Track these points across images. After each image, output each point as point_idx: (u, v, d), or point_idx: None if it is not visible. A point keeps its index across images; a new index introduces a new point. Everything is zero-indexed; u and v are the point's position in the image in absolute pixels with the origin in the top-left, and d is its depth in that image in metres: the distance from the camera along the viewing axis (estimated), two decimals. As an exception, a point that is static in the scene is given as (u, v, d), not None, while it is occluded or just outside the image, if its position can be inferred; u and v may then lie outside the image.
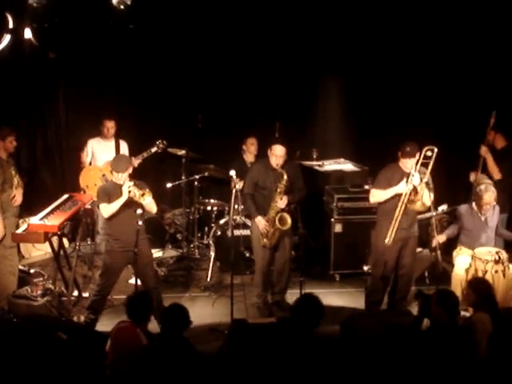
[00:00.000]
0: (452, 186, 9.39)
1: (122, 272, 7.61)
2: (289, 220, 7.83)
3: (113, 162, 7.55)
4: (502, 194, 8.64)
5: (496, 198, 8.04)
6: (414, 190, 7.52)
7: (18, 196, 8.00)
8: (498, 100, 9.53)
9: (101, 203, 7.35)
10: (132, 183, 7.22)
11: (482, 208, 8.00)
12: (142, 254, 7.30)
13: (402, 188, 7.55)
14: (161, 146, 9.37)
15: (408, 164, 7.61)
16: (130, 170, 7.34)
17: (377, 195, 7.76)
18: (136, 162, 9.21)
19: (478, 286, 6.21)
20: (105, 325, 7.52)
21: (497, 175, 8.93)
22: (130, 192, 7.17)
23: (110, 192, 7.30)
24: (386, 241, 7.55)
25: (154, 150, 9.31)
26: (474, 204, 8.10)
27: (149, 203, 7.26)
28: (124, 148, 9.47)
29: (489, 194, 7.96)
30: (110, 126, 9.36)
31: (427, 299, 5.92)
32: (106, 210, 7.28)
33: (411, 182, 7.51)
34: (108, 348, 5.87)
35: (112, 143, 9.43)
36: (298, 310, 5.58)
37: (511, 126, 9.15)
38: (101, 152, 9.36)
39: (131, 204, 7.23)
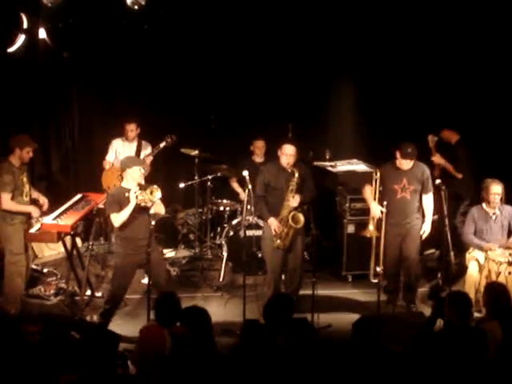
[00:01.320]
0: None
1: (133, 275, 7.59)
2: (302, 218, 7.81)
3: (127, 160, 7.54)
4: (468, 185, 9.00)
5: (503, 196, 8.01)
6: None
7: (42, 201, 8.03)
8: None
9: (111, 213, 7.28)
10: (137, 188, 7.20)
11: (491, 201, 7.96)
12: (155, 254, 7.32)
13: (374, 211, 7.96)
14: (169, 140, 9.32)
15: (406, 165, 7.88)
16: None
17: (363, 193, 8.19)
18: (148, 160, 9.23)
19: (492, 291, 6.17)
20: (118, 324, 7.54)
21: (459, 174, 9.06)
22: (137, 197, 7.15)
23: (120, 199, 7.23)
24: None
25: (162, 144, 9.28)
26: (483, 205, 8.07)
27: (158, 204, 7.27)
28: (146, 149, 9.49)
29: (495, 185, 7.95)
30: (130, 129, 9.36)
31: (441, 300, 5.90)
32: (117, 219, 7.23)
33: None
34: (135, 346, 5.92)
35: (134, 144, 9.44)
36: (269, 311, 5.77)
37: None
38: (123, 153, 9.35)
39: (140, 207, 7.23)
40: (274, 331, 5.59)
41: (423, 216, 8.08)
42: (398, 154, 7.88)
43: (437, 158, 9.12)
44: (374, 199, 8.00)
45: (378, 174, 7.99)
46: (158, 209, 7.37)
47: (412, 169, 7.95)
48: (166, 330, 5.82)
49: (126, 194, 7.16)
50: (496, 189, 7.92)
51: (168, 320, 5.87)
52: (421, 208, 8.09)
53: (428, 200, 8.04)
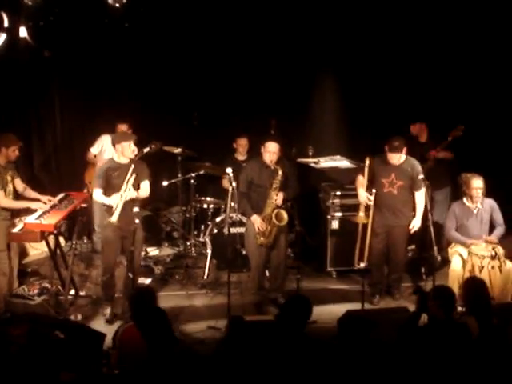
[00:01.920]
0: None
1: (119, 245, 7.77)
2: (285, 216, 7.83)
3: (119, 135, 7.91)
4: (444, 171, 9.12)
5: (485, 190, 8.04)
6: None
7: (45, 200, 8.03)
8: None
9: (95, 187, 7.65)
10: (123, 191, 7.42)
11: (473, 196, 7.95)
12: (138, 233, 7.60)
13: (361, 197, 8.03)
14: (153, 146, 9.23)
15: (394, 159, 7.90)
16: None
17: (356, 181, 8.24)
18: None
19: (470, 287, 6.19)
20: (101, 323, 7.55)
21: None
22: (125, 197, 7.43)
23: (107, 174, 7.57)
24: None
25: (146, 150, 9.16)
26: (464, 199, 8.09)
27: (142, 189, 7.65)
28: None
29: (475, 179, 7.95)
30: (122, 129, 9.31)
31: (425, 295, 5.92)
32: (97, 197, 7.65)
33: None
34: (112, 349, 5.87)
35: None
36: (287, 309, 5.54)
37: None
38: (109, 150, 9.28)
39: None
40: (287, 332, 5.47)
41: (414, 212, 8.11)
42: (386, 149, 7.92)
43: (444, 154, 9.11)
44: (364, 187, 8.03)
45: (367, 162, 8.00)
46: (144, 194, 7.69)
47: (402, 164, 7.97)
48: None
49: (113, 199, 7.44)
50: (477, 183, 7.92)
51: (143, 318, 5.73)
52: (411, 204, 8.10)
53: (419, 196, 8.01)
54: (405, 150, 7.91)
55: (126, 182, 7.46)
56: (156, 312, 5.65)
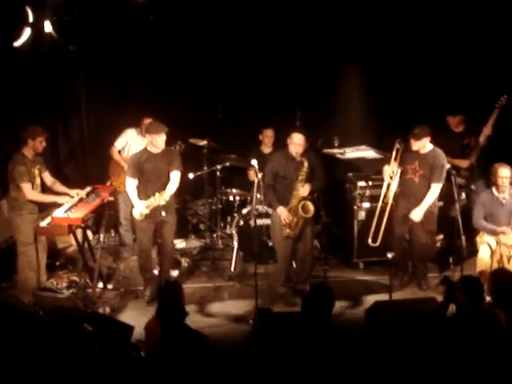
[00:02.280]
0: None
1: (151, 230, 7.99)
2: (312, 208, 7.82)
3: (151, 127, 7.95)
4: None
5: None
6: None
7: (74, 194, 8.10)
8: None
9: (127, 176, 7.96)
10: (146, 205, 7.60)
11: (499, 185, 7.91)
12: (168, 219, 7.87)
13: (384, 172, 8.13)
14: (177, 147, 9.29)
15: (414, 146, 7.96)
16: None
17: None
18: None
19: (498, 278, 6.13)
20: (130, 316, 7.59)
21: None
22: (147, 208, 7.63)
23: (139, 163, 7.84)
24: None
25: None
26: (493, 189, 8.03)
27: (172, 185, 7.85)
28: None
29: (502, 168, 7.91)
30: (147, 122, 9.31)
31: (453, 285, 5.89)
32: (129, 187, 7.90)
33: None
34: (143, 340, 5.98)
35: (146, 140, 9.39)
36: (309, 300, 5.51)
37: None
38: (134, 145, 9.32)
39: (159, 176, 7.84)
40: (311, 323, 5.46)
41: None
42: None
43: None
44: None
45: (399, 145, 8.04)
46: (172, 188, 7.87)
47: (427, 153, 7.97)
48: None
49: (135, 212, 7.75)
50: (504, 172, 7.87)
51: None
52: None
53: (434, 188, 7.98)
54: (427, 138, 7.88)
55: (154, 197, 7.60)
56: (178, 311, 5.65)
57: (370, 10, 9.91)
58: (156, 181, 7.86)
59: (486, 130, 8.81)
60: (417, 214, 8.00)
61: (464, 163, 8.87)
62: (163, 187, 7.79)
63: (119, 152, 9.42)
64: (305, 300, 5.53)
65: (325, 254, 8.16)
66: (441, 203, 8.46)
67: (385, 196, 8.08)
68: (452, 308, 5.88)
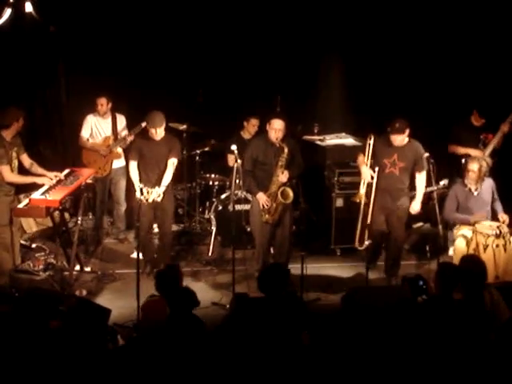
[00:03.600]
0: (454, 160, 9.32)
1: (149, 212, 8.09)
2: (291, 194, 7.83)
3: (148, 118, 8.18)
4: None
5: (486, 171, 8.03)
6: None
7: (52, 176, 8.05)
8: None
9: (130, 159, 8.22)
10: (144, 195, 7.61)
11: (467, 176, 8.02)
12: (166, 203, 8.03)
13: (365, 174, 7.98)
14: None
15: (396, 141, 7.83)
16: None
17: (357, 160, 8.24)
18: (129, 138, 9.11)
19: (466, 264, 6.18)
20: (107, 299, 7.58)
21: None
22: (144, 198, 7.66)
23: (141, 147, 8.16)
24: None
25: (143, 124, 9.11)
26: (466, 180, 8.09)
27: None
28: (121, 121, 9.41)
29: (472, 162, 8.01)
30: (100, 103, 9.25)
31: (414, 280, 5.96)
32: (132, 170, 8.15)
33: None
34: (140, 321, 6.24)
35: (109, 119, 9.36)
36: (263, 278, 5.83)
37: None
38: (99, 127, 9.32)
39: (157, 162, 8.04)
40: (268, 302, 5.60)
41: (413, 195, 8.09)
42: (388, 130, 7.86)
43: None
44: (366, 165, 8.00)
45: (371, 140, 7.97)
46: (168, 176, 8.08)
47: (405, 146, 7.90)
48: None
49: (137, 193, 7.71)
50: (472, 166, 8.00)
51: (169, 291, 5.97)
52: (408, 186, 8.06)
53: (420, 178, 8.01)
54: (407, 131, 7.85)
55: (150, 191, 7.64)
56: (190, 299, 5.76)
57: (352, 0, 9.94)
58: (154, 167, 8.07)
59: (504, 127, 8.83)
60: (417, 206, 8.02)
61: (475, 153, 8.79)
62: (161, 173, 8.02)
63: (88, 139, 9.36)
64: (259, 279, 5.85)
65: (303, 241, 8.17)
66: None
67: (361, 195, 8.06)
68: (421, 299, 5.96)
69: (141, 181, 7.95)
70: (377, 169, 7.92)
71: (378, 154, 7.98)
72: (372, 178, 7.91)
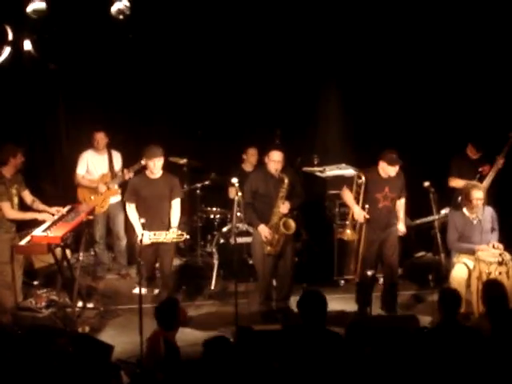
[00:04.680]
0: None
1: (149, 255, 8.04)
2: (293, 224, 7.84)
3: (146, 151, 8.06)
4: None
5: (485, 198, 8.01)
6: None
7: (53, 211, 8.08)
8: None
9: (126, 201, 8.13)
10: (150, 238, 7.71)
11: (474, 206, 7.88)
12: (166, 247, 7.99)
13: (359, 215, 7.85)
14: None
15: (392, 172, 7.78)
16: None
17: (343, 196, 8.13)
18: (128, 175, 9.11)
19: (490, 289, 6.18)
20: (110, 335, 7.56)
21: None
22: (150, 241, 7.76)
23: (138, 188, 8.01)
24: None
25: (143, 162, 9.19)
26: (464, 209, 8.04)
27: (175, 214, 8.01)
28: (117, 159, 9.44)
29: (476, 190, 7.91)
30: (100, 137, 9.29)
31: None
32: (128, 213, 8.07)
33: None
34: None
35: (105, 155, 9.39)
36: (303, 305, 5.67)
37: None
38: (95, 164, 9.35)
39: (160, 201, 7.92)
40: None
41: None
42: (382, 163, 7.77)
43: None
44: (357, 203, 7.90)
45: (363, 178, 7.89)
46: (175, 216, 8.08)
47: (394, 176, 7.85)
48: (162, 336, 5.90)
49: (139, 238, 7.63)
50: (478, 194, 7.87)
51: (167, 325, 6.09)
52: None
53: (401, 203, 8.02)
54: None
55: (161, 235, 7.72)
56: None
57: (349, 32, 10.02)
58: (157, 206, 7.98)
59: (500, 159, 8.83)
60: (402, 228, 8.02)
61: None
62: (165, 212, 7.97)
63: (83, 177, 9.39)
64: (299, 306, 5.68)
65: (305, 272, 8.14)
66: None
67: (348, 233, 8.05)
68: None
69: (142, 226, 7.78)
70: (367, 206, 7.82)
71: (370, 189, 7.86)
72: (365, 218, 7.85)
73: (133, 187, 8.10)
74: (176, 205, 8.07)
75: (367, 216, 7.80)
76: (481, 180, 8.71)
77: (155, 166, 7.96)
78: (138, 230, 7.83)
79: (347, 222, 8.01)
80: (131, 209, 8.05)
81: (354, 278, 8.19)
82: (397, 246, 8.06)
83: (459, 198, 8.27)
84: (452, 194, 8.97)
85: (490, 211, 8.06)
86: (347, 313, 8.16)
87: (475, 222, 7.98)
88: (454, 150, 9.47)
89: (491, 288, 6.21)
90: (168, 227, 7.90)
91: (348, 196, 7.99)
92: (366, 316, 7.53)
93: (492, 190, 8.69)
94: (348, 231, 7.96)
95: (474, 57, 9.98)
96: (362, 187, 7.86)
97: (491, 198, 8.38)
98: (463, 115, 10.12)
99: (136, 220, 7.93)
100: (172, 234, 7.73)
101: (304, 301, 5.69)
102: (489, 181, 8.73)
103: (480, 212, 7.92)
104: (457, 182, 8.90)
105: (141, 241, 7.53)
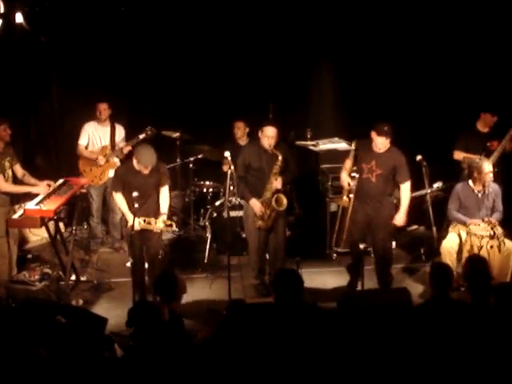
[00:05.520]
0: (446, 162, 9.34)
1: (142, 238, 7.72)
2: (285, 201, 7.84)
3: (139, 155, 7.47)
4: None
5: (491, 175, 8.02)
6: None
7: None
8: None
9: (113, 191, 7.73)
10: (140, 225, 7.45)
11: (485, 180, 7.89)
12: (156, 234, 7.71)
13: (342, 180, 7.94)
14: (149, 132, 9.26)
15: (380, 144, 7.69)
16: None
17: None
18: (126, 149, 9.18)
19: (472, 264, 6.21)
20: (103, 308, 7.60)
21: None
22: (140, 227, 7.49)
23: (125, 178, 7.57)
24: None
25: (142, 136, 9.20)
26: (470, 181, 8.07)
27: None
28: (120, 132, 9.44)
29: (487, 163, 7.94)
30: (103, 108, 9.29)
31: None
32: (117, 201, 7.72)
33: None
34: None
35: (108, 128, 9.39)
36: (278, 285, 5.69)
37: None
38: (96, 136, 9.35)
39: (147, 190, 7.56)
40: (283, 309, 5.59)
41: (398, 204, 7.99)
42: (373, 134, 7.70)
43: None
44: (350, 171, 7.93)
45: (354, 145, 7.94)
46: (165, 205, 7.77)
47: (384, 153, 7.76)
48: (165, 307, 5.99)
49: (130, 223, 7.41)
50: (489, 167, 7.89)
51: (168, 297, 6.12)
52: (390, 196, 7.96)
53: (404, 189, 7.85)
54: (391, 138, 7.73)
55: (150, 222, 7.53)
56: None
57: (343, 6, 9.98)
58: (144, 194, 7.58)
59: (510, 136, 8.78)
60: (400, 219, 7.87)
61: None
62: (153, 201, 7.68)
63: (86, 147, 9.39)
64: (274, 285, 5.72)
65: (298, 246, 8.18)
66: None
67: (344, 200, 8.04)
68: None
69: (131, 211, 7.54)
70: (356, 175, 7.78)
71: (359, 158, 7.88)
72: (348, 184, 7.82)
73: (120, 178, 7.70)
74: (165, 192, 7.76)
75: (351, 183, 7.78)
76: (487, 155, 8.64)
77: (148, 170, 7.54)
78: (129, 215, 7.53)
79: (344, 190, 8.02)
80: (118, 196, 7.66)
81: (334, 247, 8.37)
82: (386, 229, 7.90)
83: (465, 172, 8.30)
84: (449, 167, 9.00)
85: (495, 188, 8.06)
86: (340, 286, 8.20)
87: (480, 194, 8.00)
88: (448, 123, 9.47)
89: (473, 263, 6.22)
90: (157, 214, 7.67)
91: (344, 165, 8.02)
92: (356, 290, 7.56)
93: (500, 168, 8.63)
94: (344, 198, 7.97)
95: (479, 23, 9.90)
96: (352, 153, 7.92)
97: (498, 178, 8.29)
98: (460, 88, 10.09)
99: (125, 206, 7.60)
100: (160, 224, 7.49)
101: (278, 280, 5.75)
102: (495, 156, 8.68)
103: (488, 185, 7.95)
104: (461, 155, 8.89)
105: (132, 226, 7.36)
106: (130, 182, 7.57)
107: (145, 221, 7.46)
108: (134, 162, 7.52)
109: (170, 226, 7.58)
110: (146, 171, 7.52)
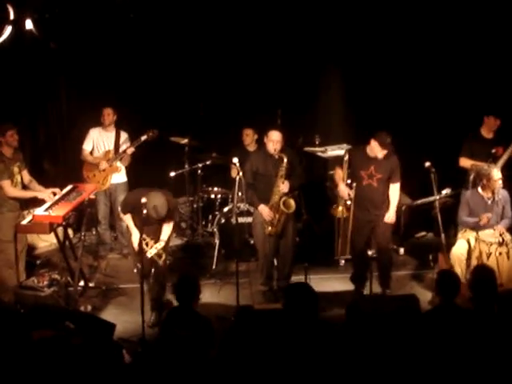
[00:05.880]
0: (454, 168, 9.32)
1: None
2: (293, 203, 7.85)
3: (152, 209, 7.16)
4: None
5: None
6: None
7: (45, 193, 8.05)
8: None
9: (121, 213, 7.74)
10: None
11: (495, 187, 7.88)
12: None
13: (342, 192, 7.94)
14: (150, 134, 9.26)
15: (380, 154, 7.71)
16: None
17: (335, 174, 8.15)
18: (129, 150, 9.23)
19: (478, 275, 6.18)
20: (112, 314, 7.60)
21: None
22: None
23: (134, 204, 7.41)
24: None
25: (143, 138, 9.21)
26: (479, 189, 8.05)
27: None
28: (124, 138, 9.46)
29: (496, 171, 7.93)
30: (107, 113, 9.30)
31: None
32: (125, 220, 7.73)
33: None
34: None
35: (113, 133, 9.41)
36: (291, 300, 5.47)
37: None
38: (100, 141, 9.37)
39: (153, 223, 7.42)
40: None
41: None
42: (373, 142, 7.71)
43: None
44: (344, 181, 7.94)
45: (347, 156, 7.94)
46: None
47: (382, 158, 7.79)
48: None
49: (134, 241, 7.47)
50: (498, 174, 7.89)
51: (190, 299, 6.03)
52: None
53: (394, 189, 7.91)
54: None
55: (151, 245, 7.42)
56: None
57: (351, 13, 9.99)
58: (150, 227, 7.50)
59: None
60: (391, 217, 7.90)
61: None
62: (158, 231, 7.58)
63: (91, 153, 9.42)
64: (286, 299, 5.53)
65: (306, 252, 8.17)
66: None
67: (339, 211, 8.07)
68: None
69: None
70: (354, 184, 7.83)
71: (355, 165, 7.88)
72: (349, 196, 7.86)
73: (129, 205, 7.63)
74: (168, 225, 7.64)
75: (351, 193, 7.82)
76: (494, 161, 8.60)
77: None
78: (135, 236, 7.48)
79: (339, 199, 8.09)
80: (127, 217, 7.65)
81: (338, 256, 8.36)
82: (388, 231, 7.97)
83: (471, 178, 8.29)
84: (457, 174, 8.95)
85: (504, 195, 8.05)
86: (348, 293, 8.19)
87: (489, 201, 7.99)
88: (456, 129, 9.45)
89: (479, 273, 6.17)
90: (157, 238, 7.54)
91: (337, 174, 8.05)
92: (364, 296, 7.56)
93: (506, 174, 8.51)
94: (340, 208, 7.99)
95: (481, 26, 9.89)
96: (346, 164, 7.92)
97: (505, 183, 8.23)
98: (467, 94, 10.08)
99: (133, 226, 7.58)
100: (153, 250, 7.31)
101: (291, 293, 5.51)
102: (502, 162, 8.63)
103: (498, 192, 7.94)
104: (467, 162, 8.82)
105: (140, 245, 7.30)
106: (138, 213, 7.37)
107: (147, 244, 7.37)
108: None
109: (159, 257, 7.40)
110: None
